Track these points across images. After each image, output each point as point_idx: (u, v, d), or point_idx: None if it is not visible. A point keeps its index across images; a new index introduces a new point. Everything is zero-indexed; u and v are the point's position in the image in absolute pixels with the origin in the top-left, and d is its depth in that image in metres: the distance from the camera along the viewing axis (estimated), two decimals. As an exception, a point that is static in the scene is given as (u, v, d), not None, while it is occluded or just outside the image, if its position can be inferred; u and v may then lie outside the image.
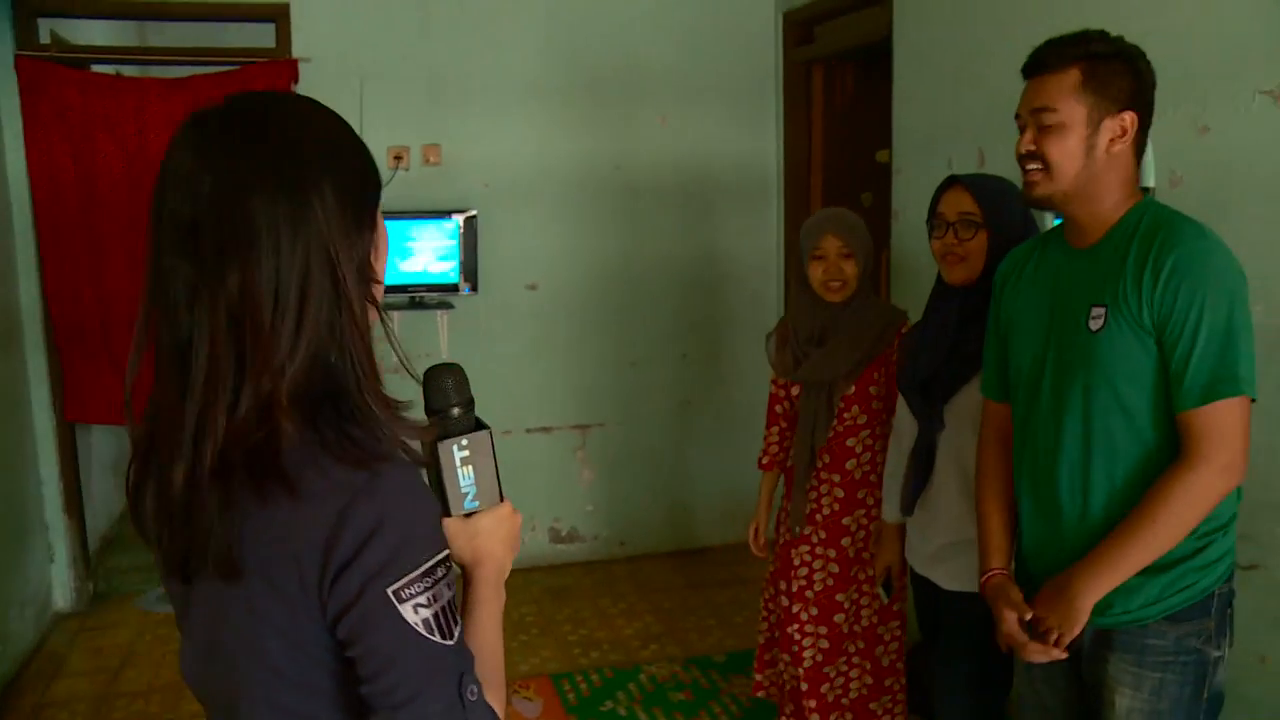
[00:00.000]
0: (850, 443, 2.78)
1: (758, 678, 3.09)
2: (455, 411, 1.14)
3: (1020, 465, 1.97)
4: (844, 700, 2.88)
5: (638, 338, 4.80)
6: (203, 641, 1.06)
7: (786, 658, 2.91)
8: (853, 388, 2.74)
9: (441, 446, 1.13)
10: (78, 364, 4.18)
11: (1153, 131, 2.33)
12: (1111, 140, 1.76)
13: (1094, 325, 1.76)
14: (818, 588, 2.84)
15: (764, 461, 3.00)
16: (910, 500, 2.41)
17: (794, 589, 2.86)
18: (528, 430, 4.63)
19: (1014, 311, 1.98)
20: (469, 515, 1.15)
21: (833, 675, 2.86)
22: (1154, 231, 1.73)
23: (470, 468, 1.14)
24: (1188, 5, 2.50)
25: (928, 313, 2.40)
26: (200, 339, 0.96)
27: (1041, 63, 1.82)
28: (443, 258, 4.37)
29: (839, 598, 2.84)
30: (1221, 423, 1.67)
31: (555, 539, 4.82)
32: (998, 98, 3.18)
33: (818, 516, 2.83)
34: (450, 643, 0.97)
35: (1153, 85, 1.80)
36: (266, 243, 0.95)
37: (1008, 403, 2.03)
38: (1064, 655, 1.85)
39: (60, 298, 4.12)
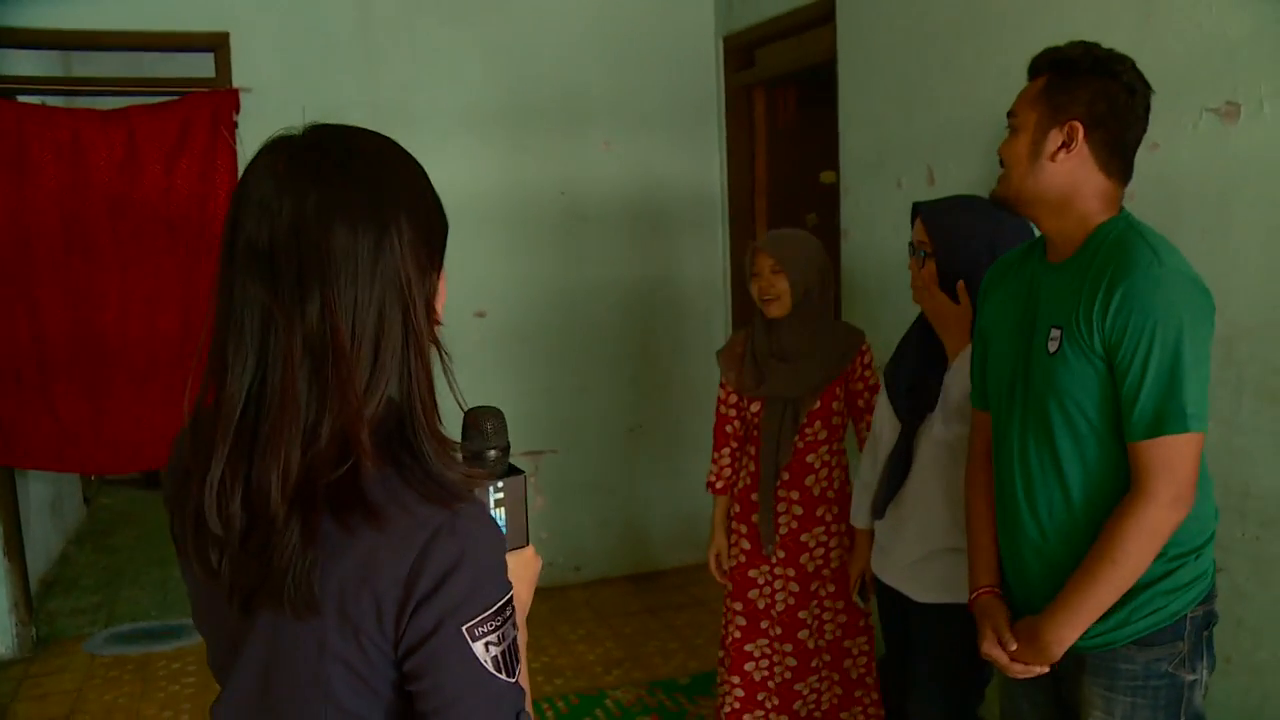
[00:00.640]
0: (810, 459, 2.81)
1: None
2: (492, 454, 1.16)
3: (995, 479, 1.97)
4: (816, 714, 2.90)
5: (587, 363, 4.80)
6: (255, 675, 1.04)
7: (736, 679, 2.92)
8: (818, 403, 2.77)
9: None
10: (11, 408, 4.01)
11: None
12: (1056, 149, 1.74)
13: (1051, 347, 1.75)
14: (779, 607, 2.86)
15: (717, 485, 2.96)
16: (882, 504, 2.44)
17: (761, 607, 2.87)
18: (480, 457, 4.57)
19: (991, 323, 1.98)
20: None
21: (805, 692, 2.88)
22: (1110, 256, 1.70)
23: (503, 510, 1.16)
24: (1134, 26, 2.56)
25: (905, 337, 2.46)
26: (274, 368, 0.96)
27: (1029, 68, 1.83)
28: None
29: (801, 615, 2.85)
30: (1167, 457, 1.66)
31: (510, 566, 4.77)
32: (947, 117, 3.27)
33: (775, 535, 2.84)
34: (512, 681, 0.99)
35: (1128, 103, 1.77)
36: (345, 272, 0.95)
37: None
38: (1045, 670, 1.87)
39: None
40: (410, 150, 1.06)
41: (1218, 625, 1.87)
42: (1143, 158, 2.59)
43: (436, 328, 1.06)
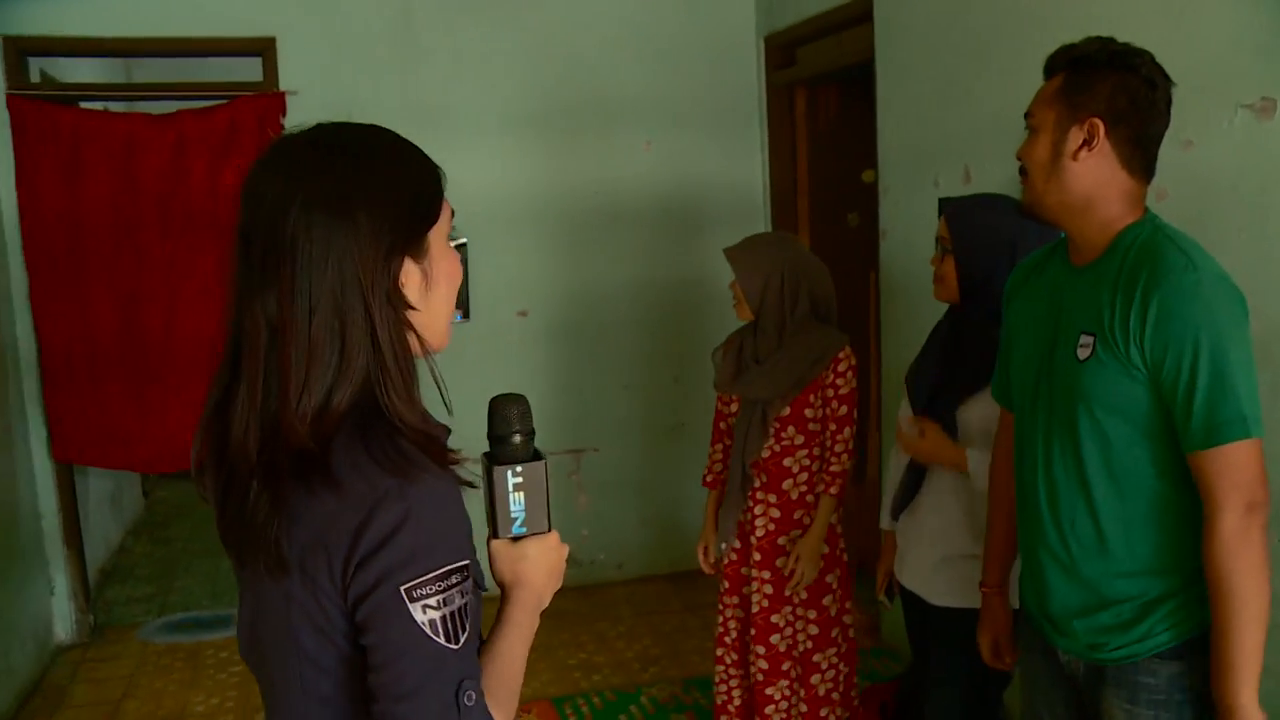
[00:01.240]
0: (787, 463, 2.81)
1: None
2: (516, 439, 1.20)
3: (1017, 484, 1.94)
4: None
5: (629, 362, 4.84)
6: (249, 620, 1.17)
7: (720, 669, 2.98)
8: (788, 409, 2.77)
9: (496, 471, 1.20)
10: (63, 404, 4.15)
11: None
12: (1077, 148, 1.69)
13: (1081, 354, 1.70)
14: (754, 609, 2.87)
15: (708, 480, 3.05)
16: (898, 507, 2.44)
17: (748, 608, 2.90)
18: (522, 455, 4.62)
19: (1016, 326, 1.94)
20: (517, 539, 1.22)
21: (776, 697, 2.88)
22: (1140, 262, 1.65)
23: (521, 494, 1.21)
24: (1168, 21, 2.52)
25: (934, 329, 2.45)
26: (246, 345, 1.06)
27: (1044, 68, 1.79)
28: (434, 285, 4.40)
29: (774, 619, 2.85)
30: (1230, 466, 1.59)
31: (552, 563, 4.83)
32: (983, 115, 3.24)
33: (752, 538, 2.85)
34: (454, 647, 1.03)
35: (1149, 97, 1.71)
36: (302, 256, 1.03)
37: None
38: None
39: (47, 335, 4.11)
40: (450, 151, 1.14)
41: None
42: (1176, 156, 2.57)
43: (419, 314, 1.11)
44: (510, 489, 1.20)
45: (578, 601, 4.64)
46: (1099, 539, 1.74)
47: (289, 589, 1.05)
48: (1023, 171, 1.80)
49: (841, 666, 2.89)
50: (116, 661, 4.17)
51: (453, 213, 1.19)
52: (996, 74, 3.17)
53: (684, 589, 4.75)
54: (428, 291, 1.13)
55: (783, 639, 2.85)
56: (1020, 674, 2.03)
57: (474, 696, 1.04)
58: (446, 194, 1.16)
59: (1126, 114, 1.69)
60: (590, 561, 4.87)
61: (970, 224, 2.31)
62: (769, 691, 2.87)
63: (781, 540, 2.83)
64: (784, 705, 2.88)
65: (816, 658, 2.87)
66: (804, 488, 2.82)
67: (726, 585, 2.97)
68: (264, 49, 4.26)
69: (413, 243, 1.11)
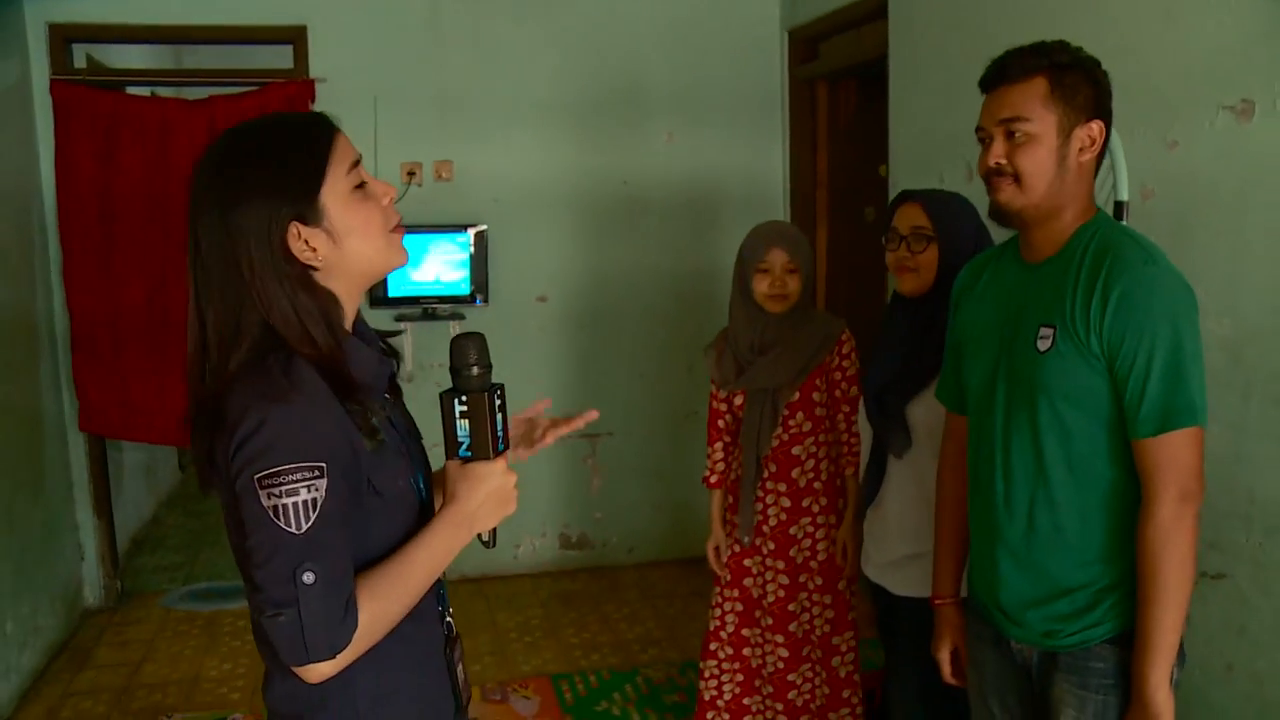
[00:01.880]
0: (796, 451, 2.83)
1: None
2: (473, 371, 1.34)
3: (971, 480, 1.96)
4: (812, 706, 2.93)
5: (645, 349, 4.91)
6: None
7: (736, 665, 2.97)
8: (797, 394, 2.79)
9: (444, 398, 1.35)
10: (89, 377, 4.31)
11: (1124, 146, 2.42)
12: (1081, 150, 1.73)
13: (1042, 345, 1.74)
14: (770, 599, 2.89)
15: (712, 480, 3.00)
16: (861, 506, 2.49)
17: (755, 595, 2.92)
18: (539, 438, 4.71)
19: (967, 325, 1.97)
20: (465, 462, 1.36)
21: (798, 682, 2.91)
22: (1102, 255, 1.69)
23: (467, 421, 1.34)
24: (1156, 23, 2.54)
25: (883, 325, 2.47)
26: (188, 328, 1.33)
27: (1004, 73, 1.77)
28: (455, 270, 4.52)
29: (791, 607, 2.88)
30: (1173, 453, 1.66)
31: (565, 545, 4.93)
32: (981, 114, 3.26)
33: (765, 527, 2.87)
34: (295, 531, 1.21)
35: (1110, 95, 1.77)
36: (200, 257, 1.28)
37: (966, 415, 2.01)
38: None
39: (78, 310, 4.27)
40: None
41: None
42: (1161, 156, 2.59)
43: (330, 262, 1.31)
44: (457, 416, 1.34)
45: (587, 583, 4.73)
46: (1056, 529, 1.78)
47: (223, 498, 1.29)
48: (994, 176, 1.79)
49: (855, 645, 2.93)
50: (140, 625, 4.35)
51: (357, 161, 1.33)
52: (999, 72, 3.18)
53: (693, 575, 4.79)
54: (337, 246, 1.31)
55: (799, 625, 2.88)
56: (969, 664, 2.06)
57: (313, 577, 1.21)
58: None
59: (1108, 116, 1.76)
60: (602, 544, 4.96)
61: (953, 214, 2.34)
62: (791, 678, 2.89)
63: (793, 529, 2.85)
64: (806, 689, 2.91)
65: (835, 640, 2.90)
66: (812, 475, 2.84)
67: (729, 577, 2.97)
68: (295, 37, 4.38)
69: (300, 212, 1.28)
